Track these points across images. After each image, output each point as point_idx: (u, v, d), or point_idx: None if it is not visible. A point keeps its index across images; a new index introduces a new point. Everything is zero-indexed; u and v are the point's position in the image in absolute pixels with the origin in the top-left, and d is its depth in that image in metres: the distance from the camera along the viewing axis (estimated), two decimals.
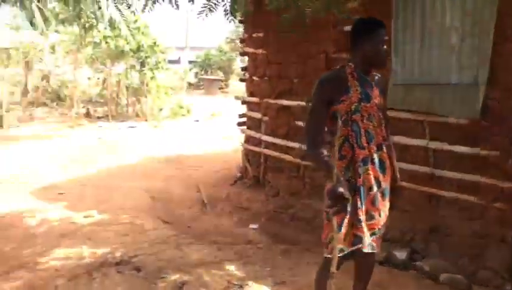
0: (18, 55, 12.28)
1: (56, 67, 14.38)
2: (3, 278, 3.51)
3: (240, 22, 5.92)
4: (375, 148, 2.38)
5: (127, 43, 10.99)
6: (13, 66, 13.10)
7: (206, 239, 4.35)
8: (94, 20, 10.35)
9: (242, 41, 5.92)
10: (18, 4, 7.60)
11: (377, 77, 2.47)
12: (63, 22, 10.53)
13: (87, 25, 10.76)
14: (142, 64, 12.15)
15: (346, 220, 2.35)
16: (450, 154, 3.87)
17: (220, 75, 22.44)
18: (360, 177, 2.34)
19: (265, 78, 5.47)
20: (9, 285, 3.39)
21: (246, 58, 6.14)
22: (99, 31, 11.34)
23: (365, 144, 2.35)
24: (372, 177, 2.36)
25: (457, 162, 3.84)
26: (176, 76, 20.18)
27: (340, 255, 2.36)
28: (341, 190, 2.18)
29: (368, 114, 2.37)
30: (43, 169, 7.47)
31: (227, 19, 4.20)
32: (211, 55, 22.46)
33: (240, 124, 6.15)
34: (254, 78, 5.69)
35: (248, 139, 5.98)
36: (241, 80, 6.28)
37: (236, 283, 3.45)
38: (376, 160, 2.38)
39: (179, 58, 28.72)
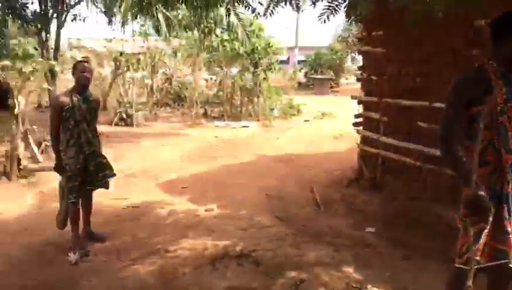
0: (146, 60, 13.50)
1: (177, 70, 15.57)
2: (140, 263, 3.90)
3: (357, 20, 5.80)
4: None
5: (242, 46, 11.44)
6: (141, 70, 14.45)
7: (323, 239, 4.34)
8: (213, 25, 11.06)
9: (360, 39, 5.80)
10: (147, 13, 8.37)
11: None
12: (185, 28, 11.35)
13: (206, 30, 11.49)
14: (256, 66, 12.55)
15: (485, 231, 2.18)
16: None
17: (330, 74, 22.26)
18: (508, 185, 2.15)
19: (385, 77, 5.29)
20: (145, 269, 3.75)
21: (361, 57, 6.01)
22: (216, 36, 11.99)
23: None
24: None
25: None
26: (285, 76, 20.53)
27: (476, 267, 2.19)
28: (482, 198, 2.02)
29: None
30: (167, 164, 8.13)
31: (349, 20, 4.15)
32: (321, 55, 22.36)
33: (355, 124, 6.03)
34: (372, 77, 5.52)
35: (364, 140, 5.84)
36: (358, 80, 6.15)
37: (355, 285, 3.39)
38: None
39: (288, 58, 29.13)
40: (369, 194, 5.53)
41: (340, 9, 3.74)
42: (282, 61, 26.40)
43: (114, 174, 4.50)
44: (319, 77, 21.47)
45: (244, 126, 11.92)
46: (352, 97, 6.05)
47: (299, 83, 21.97)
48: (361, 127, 5.96)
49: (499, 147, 2.15)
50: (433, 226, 4.50)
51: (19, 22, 9.22)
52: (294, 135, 10.74)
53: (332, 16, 3.84)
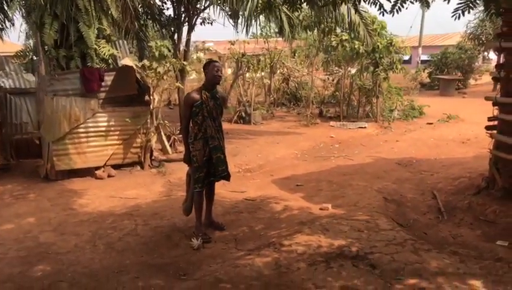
0: (265, 61, 13.88)
1: (295, 71, 15.74)
2: (256, 253, 4.04)
3: (498, 14, 5.27)
4: None
5: (363, 45, 11.14)
6: (261, 70, 14.91)
7: (446, 248, 4.05)
8: (333, 25, 10.94)
9: (498, 35, 5.26)
10: (272, 13, 8.59)
11: None
12: (305, 28, 11.40)
13: (326, 29, 11.41)
14: (376, 65, 12.12)
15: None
16: None
17: (457, 74, 20.57)
18: None
19: None
20: (261, 260, 3.88)
21: (495, 55, 5.43)
22: (336, 35, 11.85)
23: None
24: None
25: None
26: (407, 76, 19.49)
27: None
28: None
29: None
30: (282, 161, 8.30)
31: (488, 13, 3.79)
32: (448, 54, 20.76)
33: (489, 127, 5.49)
34: None
35: (499, 145, 5.29)
36: (494, 79, 5.59)
37: None
38: None
39: (410, 57, 27.60)
40: (502, 205, 4.99)
41: (478, 3, 3.45)
42: (404, 61, 25.17)
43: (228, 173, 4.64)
44: (445, 77, 19.92)
45: (361, 127, 11.60)
46: (487, 98, 5.50)
47: (423, 84, 20.69)
48: (495, 131, 5.40)
49: None
50: None
51: (157, 26, 10.16)
52: (415, 138, 10.15)
53: (467, 11, 3.57)
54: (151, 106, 7.83)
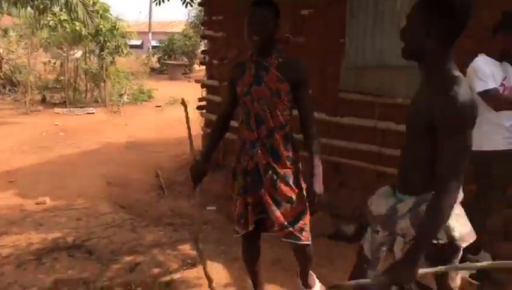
0: None
1: (9, 52, 13.80)
2: None
3: (200, 4, 5.86)
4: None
5: (85, 27, 10.64)
6: None
7: (163, 222, 4.34)
8: (48, 2, 10.02)
9: (203, 24, 5.86)
10: None
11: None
12: (15, 3, 10.08)
13: (41, 7, 10.36)
14: (102, 49, 11.82)
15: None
16: (397, 133, 3.99)
17: (184, 60, 22.14)
18: (251, 160, 2.44)
19: (225, 61, 5.44)
20: None
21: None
22: (54, 14, 10.93)
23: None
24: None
25: (403, 140, 3.97)
26: (138, 61, 19.78)
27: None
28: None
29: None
30: None
31: (184, 3, 4.14)
32: (174, 40, 22.08)
33: (199, 107, 6.11)
34: (214, 61, 5.64)
35: (208, 123, 5.96)
36: (201, 64, 6.22)
37: (190, 261, 3.48)
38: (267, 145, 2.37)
39: (142, 43, 28.13)
40: (212, 175, 5.67)
41: None
42: (136, 46, 25.38)
43: None
44: (172, 62, 21.20)
45: (89, 113, 11.18)
46: (196, 81, 6.11)
47: (153, 69, 21.42)
48: (204, 111, 6.05)
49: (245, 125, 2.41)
50: None
51: None
52: (144, 120, 10.46)
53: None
54: None
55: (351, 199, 4.27)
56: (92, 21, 9.91)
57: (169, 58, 22.00)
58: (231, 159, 5.56)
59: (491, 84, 2.81)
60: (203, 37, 6.14)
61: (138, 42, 26.86)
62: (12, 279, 3.19)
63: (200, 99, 6.23)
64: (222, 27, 5.50)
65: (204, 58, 6.12)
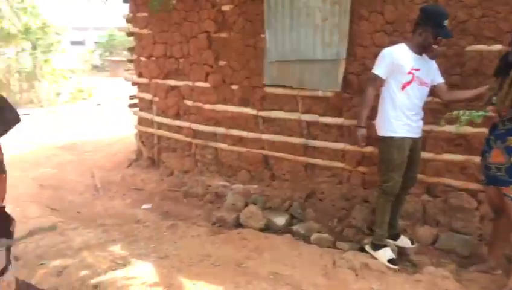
0: None
1: None
2: None
3: (124, 1, 5.79)
4: None
5: (12, 25, 10.18)
6: None
7: (94, 223, 4.32)
8: None
9: (128, 21, 5.80)
10: None
11: None
12: None
13: None
14: (34, 47, 11.36)
15: None
16: (320, 125, 4.20)
17: (126, 56, 21.65)
18: None
19: (153, 58, 5.43)
20: None
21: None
22: None
23: None
24: None
25: (327, 132, 4.19)
26: (79, 58, 19.17)
27: None
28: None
29: None
30: None
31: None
32: (114, 36, 21.52)
33: (131, 105, 6.07)
34: (142, 58, 5.62)
35: (141, 121, 5.94)
36: (129, 61, 6.17)
37: (119, 261, 3.50)
38: None
39: (84, 39, 27.20)
40: (148, 173, 5.68)
41: None
42: (77, 43, 24.47)
43: None
44: (113, 58, 20.69)
45: (25, 114, 10.72)
46: (126, 79, 6.06)
47: (94, 66, 20.82)
48: (137, 108, 6.02)
49: None
50: (202, 195, 4.94)
51: None
52: (82, 120, 10.20)
53: None
54: None
55: (282, 191, 4.44)
56: (19, 19, 9.49)
57: (110, 55, 21.43)
58: (165, 155, 5.63)
59: (377, 71, 3.11)
60: (129, 34, 6.06)
61: (80, 39, 25.95)
62: None
63: (131, 97, 6.18)
64: (147, 24, 5.46)
65: (131, 55, 6.07)
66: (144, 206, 4.90)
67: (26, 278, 3.25)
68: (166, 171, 5.53)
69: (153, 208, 4.83)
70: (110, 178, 5.79)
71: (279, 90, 4.37)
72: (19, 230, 3.96)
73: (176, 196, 5.10)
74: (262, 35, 4.35)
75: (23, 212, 4.45)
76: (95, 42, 26.17)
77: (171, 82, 5.27)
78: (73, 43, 21.73)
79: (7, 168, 5.49)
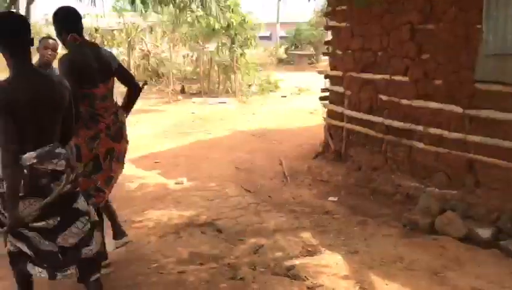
0: (121, 36, 13.33)
1: (155, 47, 15.41)
2: (107, 233, 4.02)
3: None
4: None
5: (217, 22, 11.36)
6: (117, 46, 14.25)
7: (285, 208, 4.53)
8: (188, 0, 10.93)
9: (327, 14, 5.89)
10: None
11: None
12: (160, 2, 11.19)
13: (181, 5, 11.34)
14: (233, 42, 12.51)
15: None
16: None
17: (310, 50, 22.26)
18: None
19: (349, 51, 5.41)
20: (111, 239, 3.88)
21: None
22: (192, 11, 11.87)
23: None
24: None
25: None
26: (266, 52, 20.47)
27: None
28: None
29: None
30: (142, 140, 8.19)
31: None
32: (301, 30, 22.30)
33: (322, 98, 6.17)
34: (337, 51, 5.64)
35: (331, 114, 6.00)
36: (325, 54, 6.26)
37: (310, 249, 3.59)
38: None
39: (270, 34, 28.95)
40: (334, 166, 5.72)
41: None
42: (264, 37, 26.25)
43: None
44: (298, 52, 21.47)
45: (221, 102, 11.97)
46: (319, 72, 6.18)
47: (280, 59, 21.98)
48: (327, 101, 6.10)
49: None
50: (392, 194, 4.74)
51: None
52: (270, 110, 10.85)
53: None
54: None
55: (488, 200, 3.95)
56: (223, 16, 10.52)
57: (295, 49, 22.31)
58: (353, 150, 5.57)
59: None
60: (327, 27, 6.15)
61: (267, 34, 27.70)
62: (156, 248, 3.66)
63: (323, 90, 6.28)
64: (346, 17, 5.46)
65: (327, 48, 6.14)
66: (330, 198, 4.94)
67: (226, 251, 3.60)
68: (353, 166, 5.47)
69: (339, 201, 4.83)
70: (297, 167, 6.00)
71: (495, 87, 3.86)
72: (221, 206, 4.39)
73: (362, 192, 5.01)
74: (478, 26, 3.90)
75: (224, 190, 4.94)
76: (280, 37, 27.61)
77: (367, 76, 5.16)
78: (261, 37, 23.32)
79: (209, 151, 6.22)
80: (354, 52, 5.32)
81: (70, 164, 2.29)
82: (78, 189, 2.39)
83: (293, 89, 13.54)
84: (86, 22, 12.62)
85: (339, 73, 5.64)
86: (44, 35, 4.83)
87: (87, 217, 2.37)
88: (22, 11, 9.18)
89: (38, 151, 2.16)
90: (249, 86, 13.21)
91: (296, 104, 11.51)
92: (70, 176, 2.27)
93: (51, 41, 4.13)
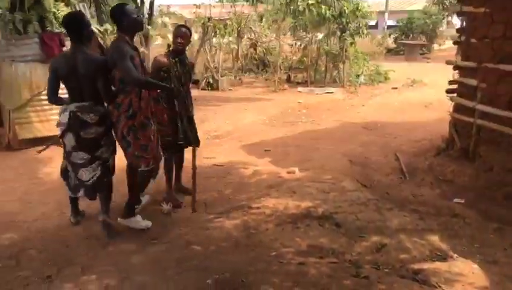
0: (232, 26, 13.64)
1: (263, 36, 15.58)
2: (225, 216, 4.12)
3: None
4: None
5: (330, 10, 11.10)
6: (228, 35, 14.62)
7: (407, 207, 4.26)
8: None
9: (460, 0, 5.37)
10: None
11: None
12: None
13: None
14: (343, 30, 12.16)
15: None
16: None
17: (422, 39, 20.91)
18: None
19: (486, 40, 4.87)
20: (230, 222, 3.97)
21: (458, 20, 5.57)
22: (303, 0, 11.74)
23: None
24: None
25: None
26: (373, 41, 19.62)
27: None
28: None
29: None
30: (251, 127, 8.34)
31: None
32: (413, 19, 20.99)
33: (449, 91, 5.68)
34: (472, 40, 5.12)
35: (458, 108, 5.49)
36: (455, 43, 5.73)
37: (439, 253, 3.31)
38: None
39: (377, 23, 27.76)
40: (459, 165, 5.23)
41: None
42: (370, 26, 25.25)
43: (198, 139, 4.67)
44: (410, 42, 20.23)
45: (328, 92, 11.73)
46: (448, 62, 5.67)
47: (389, 49, 20.97)
48: (455, 95, 5.59)
49: None
50: None
51: None
52: (380, 102, 10.38)
53: None
54: None
55: None
56: (338, 3, 10.24)
57: (406, 38, 21.10)
58: (484, 149, 5.05)
59: None
60: (460, 13, 5.61)
61: (373, 22, 26.58)
62: (274, 236, 3.65)
63: (450, 82, 5.77)
64: (485, 1, 4.91)
65: (459, 37, 5.61)
66: (456, 200, 4.54)
67: (346, 247, 3.46)
68: (484, 166, 4.95)
69: (467, 204, 4.42)
70: (416, 164, 5.63)
71: None
72: (339, 200, 4.24)
73: (494, 195, 4.53)
74: None
75: (340, 183, 4.78)
76: (389, 26, 26.31)
77: (508, 67, 4.61)
78: (369, 26, 22.38)
79: (319, 142, 6.09)
80: (493, 41, 4.78)
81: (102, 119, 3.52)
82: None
83: (404, 80, 12.81)
84: (200, 12, 13.18)
85: (472, 64, 5.12)
86: (180, 24, 5.02)
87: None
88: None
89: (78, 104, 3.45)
90: (357, 76, 12.77)
91: (409, 96, 10.87)
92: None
93: (182, 29, 4.29)
